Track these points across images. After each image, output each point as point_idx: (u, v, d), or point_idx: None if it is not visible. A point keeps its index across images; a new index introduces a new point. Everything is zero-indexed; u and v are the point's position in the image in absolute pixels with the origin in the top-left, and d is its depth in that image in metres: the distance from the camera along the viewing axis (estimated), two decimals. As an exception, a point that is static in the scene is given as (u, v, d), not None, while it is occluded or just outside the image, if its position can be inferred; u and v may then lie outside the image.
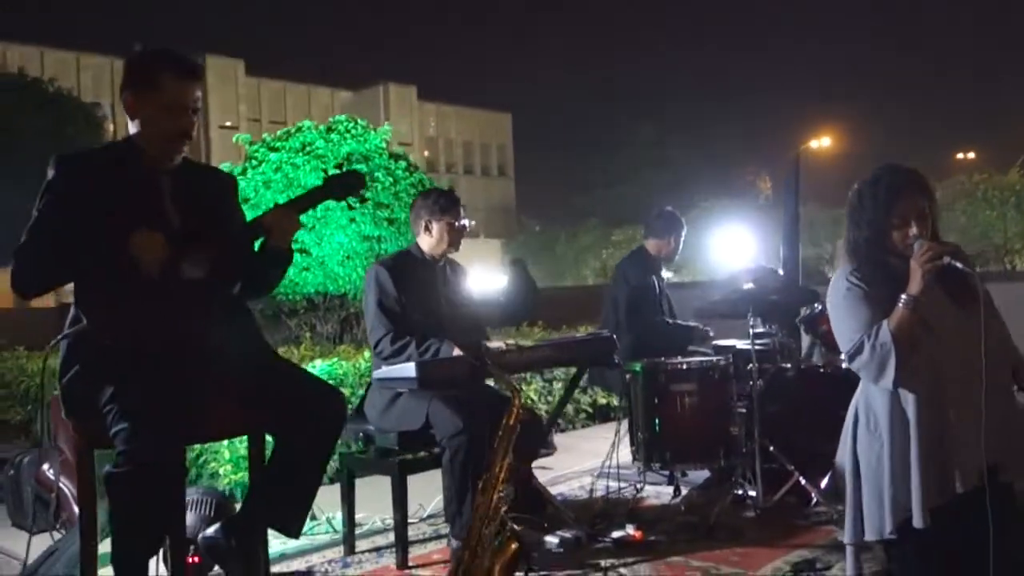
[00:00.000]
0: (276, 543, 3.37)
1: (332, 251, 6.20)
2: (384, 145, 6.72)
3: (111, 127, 16.94)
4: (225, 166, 6.47)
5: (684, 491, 4.07)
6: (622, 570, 3.17)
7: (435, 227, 3.50)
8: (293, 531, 2.40)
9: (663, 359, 3.91)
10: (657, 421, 3.86)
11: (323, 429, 2.37)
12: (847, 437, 2.70)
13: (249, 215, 6.05)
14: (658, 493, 4.21)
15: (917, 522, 2.47)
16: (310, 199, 2.44)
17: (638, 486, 4.16)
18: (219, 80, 53.12)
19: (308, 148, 6.44)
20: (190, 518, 3.04)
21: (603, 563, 3.24)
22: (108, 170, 2.30)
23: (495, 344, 3.39)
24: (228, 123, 53.56)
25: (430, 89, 63.35)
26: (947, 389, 2.50)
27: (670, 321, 4.46)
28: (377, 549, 3.51)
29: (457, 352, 3.21)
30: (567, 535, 3.47)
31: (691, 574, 3.11)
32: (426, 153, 63.75)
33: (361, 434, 3.42)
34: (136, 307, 2.15)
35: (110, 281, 2.13)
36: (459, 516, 3.23)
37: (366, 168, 6.37)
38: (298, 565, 3.37)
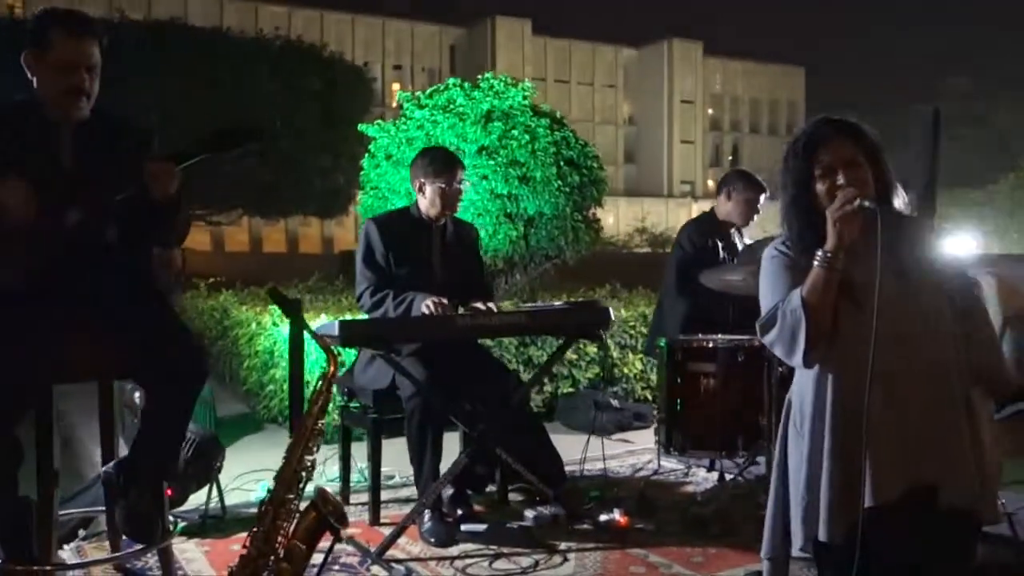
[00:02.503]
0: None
1: (462, 208, 6.24)
2: (526, 102, 6.63)
3: (379, 86, 18.09)
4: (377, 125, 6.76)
5: (727, 478, 3.72)
6: (569, 555, 2.97)
7: (428, 189, 3.43)
8: (161, 474, 2.50)
9: (683, 336, 3.57)
10: (676, 403, 3.54)
11: (180, 383, 2.43)
12: (779, 436, 2.34)
13: (391, 171, 6.29)
14: (701, 479, 3.89)
15: (822, 535, 2.11)
16: (192, 151, 2.48)
17: (653, 468, 3.88)
18: (506, 39, 55.13)
19: (451, 105, 6.51)
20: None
21: (560, 545, 3.06)
22: (9, 124, 2.49)
23: (476, 304, 3.29)
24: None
25: (717, 44, 61.23)
26: (872, 377, 2.06)
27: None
28: (364, 504, 3.54)
29: (430, 305, 3.14)
30: (544, 511, 3.32)
31: (636, 569, 2.85)
32: (710, 111, 62.13)
33: (346, 390, 3.47)
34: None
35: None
36: (419, 479, 3.20)
37: (502, 126, 6.34)
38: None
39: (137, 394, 3.24)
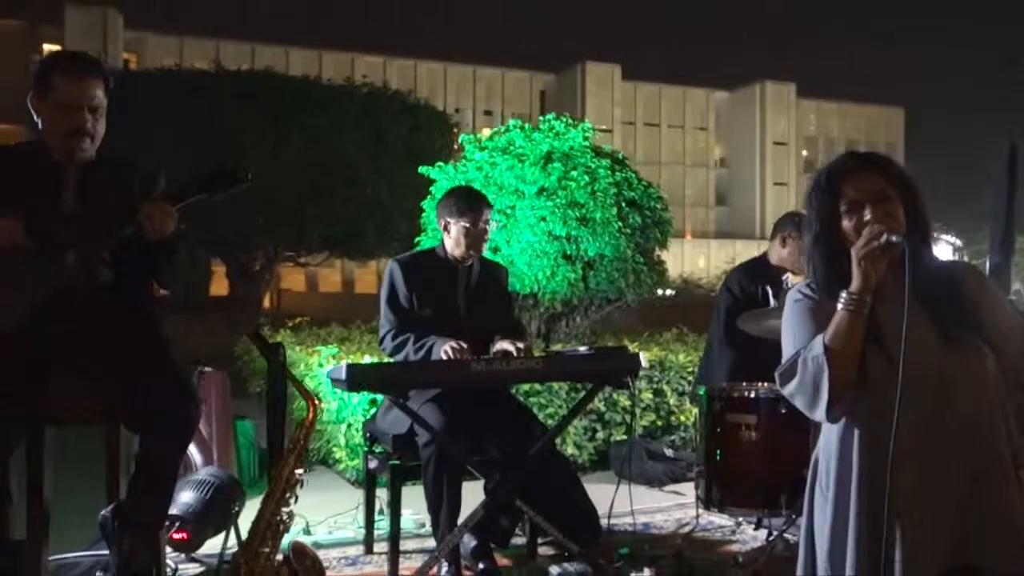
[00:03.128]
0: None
1: (520, 250, 6.16)
2: (586, 142, 6.53)
3: (460, 130, 18.33)
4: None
5: (773, 536, 3.46)
6: (588, 618, 2.79)
7: (452, 229, 3.34)
8: (150, 521, 2.44)
9: (725, 385, 3.36)
10: (715, 455, 3.32)
11: (168, 433, 2.38)
12: (806, 498, 2.14)
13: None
14: (748, 537, 3.64)
15: None
16: (185, 192, 2.45)
17: (693, 524, 3.65)
18: (596, 85, 55.41)
19: (510, 147, 6.47)
20: (190, 496, 3.22)
21: (580, 606, 2.88)
22: (15, 165, 2.52)
23: (502, 346, 3.17)
24: (603, 127, 55.72)
25: (810, 85, 60.19)
26: (900, 438, 1.86)
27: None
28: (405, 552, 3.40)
29: (448, 350, 3.04)
30: (570, 568, 3.14)
31: (656, 637, 2.64)
32: (804, 152, 60.87)
33: (368, 434, 3.37)
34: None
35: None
36: (436, 529, 3.07)
37: (562, 167, 6.25)
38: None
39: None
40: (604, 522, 3.45)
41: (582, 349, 3.12)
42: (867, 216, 1.98)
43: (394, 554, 3.20)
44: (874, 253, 1.91)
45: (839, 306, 1.94)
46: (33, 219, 2.36)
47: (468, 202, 3.35)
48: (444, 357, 3.01)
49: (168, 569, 2.62)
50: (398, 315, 3.28)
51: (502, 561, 3.31)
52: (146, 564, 2.47)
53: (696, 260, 50.29)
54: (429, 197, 6.76)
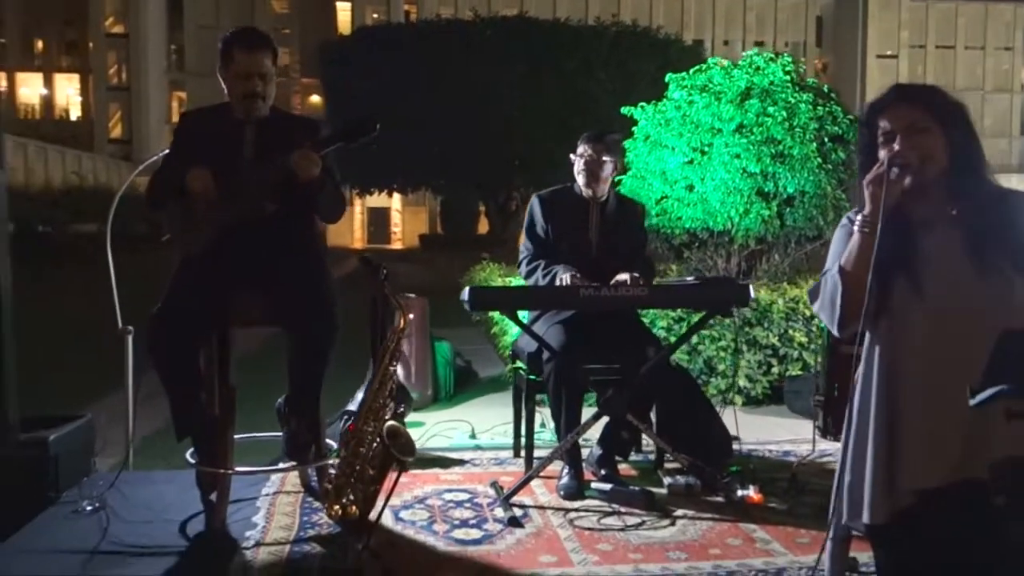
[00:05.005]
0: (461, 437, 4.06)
1: (713, 187, 6.26)
2: (787, 77, 6.43)
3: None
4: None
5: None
6: (678, 521, 3.08)
7: (576, 160, 3.65)
8: (304, 411, 3.02)
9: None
10: (833, 387, 3.42)
11: (314, 335, 2.93)
12: (847, 413, 2.33)
13: (649, 154, 6.53)
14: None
15: (865, 517, 2.11)
16: (326, 141, 2.95)
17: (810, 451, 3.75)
18: (879, 6, 51.15)
19: (709, 85, 6.53)
20: (363, 396, 3.85)
21: (676, 511, 3.18)
22: (208, 123, 3.15)
23: (619, 277, 3.46)
24: (888, 52, 51.49)
25: None
26: (918, 364, 2.03)
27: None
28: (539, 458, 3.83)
29: (566, 278, 3.39)
30: (680, 480, 3.42)
31: (732, 541, 2.89)
32: None
33: (511, 352, 3.81)
34: (190, 224, 2.98)
35: (181, 206, 2.99)
36: (558, 436, 3.47)
37: (759, 104, 6.24)
38: (471, 455, 3.95)
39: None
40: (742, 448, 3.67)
41: (689, 279, 3.34)
42: (896, 147, 2.09)
43: (528, 455, 3.65)
44: (878, 180, 2.03)
45: (854, 229, 2.09)
46: (220, 167, 2.99)
47: (587, 136, 3.64)
48: (558, 283, 3.36)
49: (330, 448, 3.24)
50: (535, 244, 3.66)
51: (628, 472, 3.66)
52: (307, 441, 3.09)
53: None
54: (631, 138, 7.00)
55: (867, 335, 2.16)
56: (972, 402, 1.71)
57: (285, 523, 3.02)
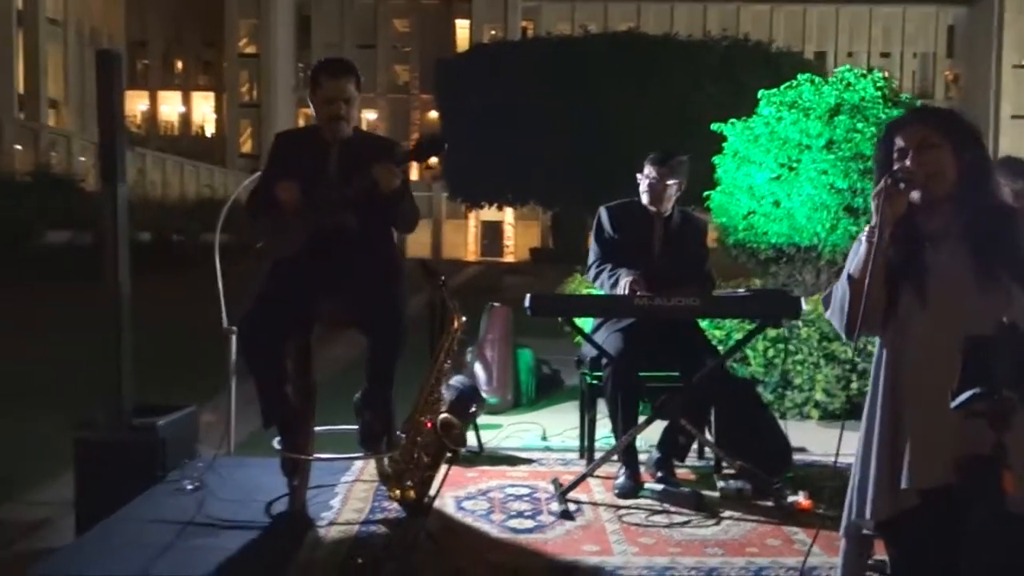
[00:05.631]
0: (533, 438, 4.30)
1: (800, 203, 6.30)
2: (878, 93, 6.41)
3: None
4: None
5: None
6: (723, 522, 3.22)
7: (641, 183, 3.83)
8: (376, 404, 3.30)
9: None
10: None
11: (385, 338, 3.21)
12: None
13: (737, 169, 6.65)
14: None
15: (868, 513, 2.26)
16: (403, 157, 3.24)
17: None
18: (1016, 13, 48.76)
19: (798, 101, 6.57)
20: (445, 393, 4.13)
21: (724, 512, 3.32)
22: (298, 143, 3.50)
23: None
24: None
25: None
26: (921, 371, 2.17)
27: None
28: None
29: (626, 283, 3.58)
30: (732, 484, 3.55)
31: (772, 541, 3.01)
32: None
33: (576, 358, 4.02)
34: (281, 236, 3.32)
35: (273, 216, 3.33)
36: (616, 437, 3.65)
37: (849, 120, 6.25)
38: (539, 456, 4.17)
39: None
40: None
41: (741, 291, 3.48)
42: (907, 162, 2.23)
43: (590, 456, 3.85)
44: (883, 194, 2.17)
45: (863, 239, 2.24)
46: (307, 182, 3.33)
47: (656, 157, 3.82)
48: (620, 290, 3.55)
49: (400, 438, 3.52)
50: (603, 249, 3.87)
51: (686, 476, 3.81)
52: (379, 432, 3.37)
53: None
54: (721, 154, 7.09)
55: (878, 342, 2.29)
56: (952, 405, 1.82)
57: (357, 507, 3.31)
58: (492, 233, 50.28)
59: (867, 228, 2.23)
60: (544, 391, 5.85)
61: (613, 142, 18.40)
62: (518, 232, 48.18)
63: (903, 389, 2.17)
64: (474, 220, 49.37)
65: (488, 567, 2.72)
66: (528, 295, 3.45)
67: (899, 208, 2.19)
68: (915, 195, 2.23)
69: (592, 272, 3.85)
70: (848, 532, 2.42)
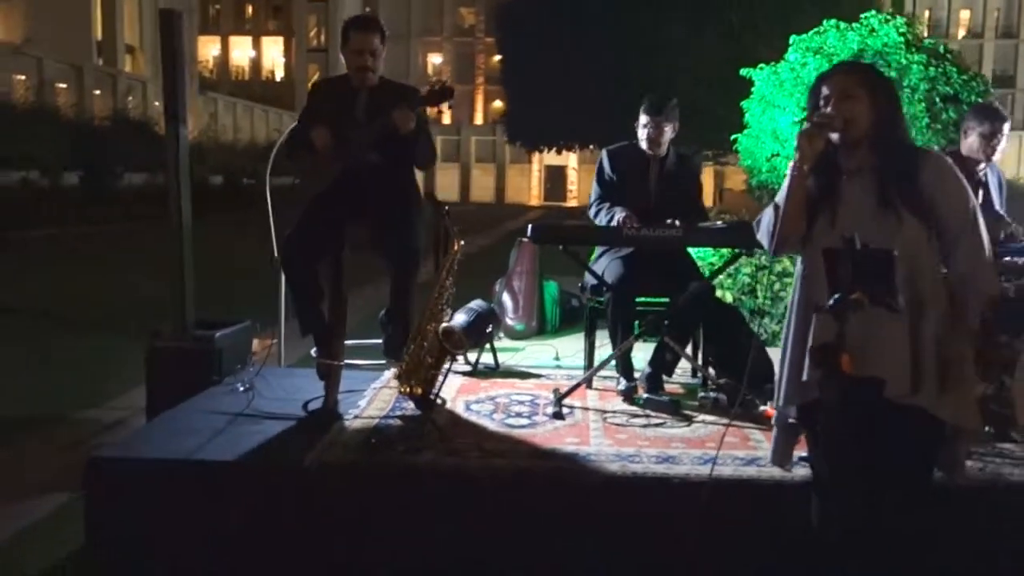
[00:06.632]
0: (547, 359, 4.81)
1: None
2: (900, 38, 6.62)
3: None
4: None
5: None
6: (693, 424, 3.69)
7: (639, 131, 4.23)
8: (398, 319, 3.81)
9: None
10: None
11: (401, 264, 3.70)
12: None
13: (763, 114, 6.97)
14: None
15: (779, 403, 2.71)
16: (417, 102, 3.70)
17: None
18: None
19: (823, 48, 6.81)
20: (461, 317, 4.64)
21: (697, 417, 3.78)
22: (331, 90, 3.98)
23: (668, 221, 4.05)
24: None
25: None
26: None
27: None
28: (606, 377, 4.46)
29: (620, 219, 4.02)
30: (710, 395, 4.01)
31: (731, 439, 3.46)
32: None
33: (580, 284, 4.49)
34: (316, 172, 3.82)
35: (309, 156, 3.84)
36: (617, 361, 4.13)
37: (870, 62, 6.48)
38: (548, 372, 4.68)
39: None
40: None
41: (719, 223, 3.89)
42: (828, 109, 2.62)
43: (587, 365, 4.34)
44: (807, 134, 2.57)
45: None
46: (338, 125, 3.83)
47: (647, 103, 4.21)
48: (614, 224, 3.99)
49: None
50: (603, 189, 4.30)
51: (675, 390, 4.27)
52: (401, 342, 3.89)
53: None
54: (749, 98, 7.38)
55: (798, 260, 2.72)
56: (827, 306, 2.24)
57: (380, 407, 3.87)
58: (556, 177, 50.49)
59: (791, 163, 2.63)
60: (569, 320, 6.32)
61: (668, 85, 18.48)
62: (581, 176, 48.31)
63: (813, 298, 2.58)
64: (538, 164, 49.58)
65: (480, 450, 3.24)
66: (530, 225, 3.91)
67: (818, 146, 2.58)
68: (835, 136, 2.62)
69: (593, 209, 4.28)
70: (777, 420, 2.86)
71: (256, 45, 55.48)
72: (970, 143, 4.10)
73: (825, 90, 2.64)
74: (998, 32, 53.86)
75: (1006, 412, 3.30)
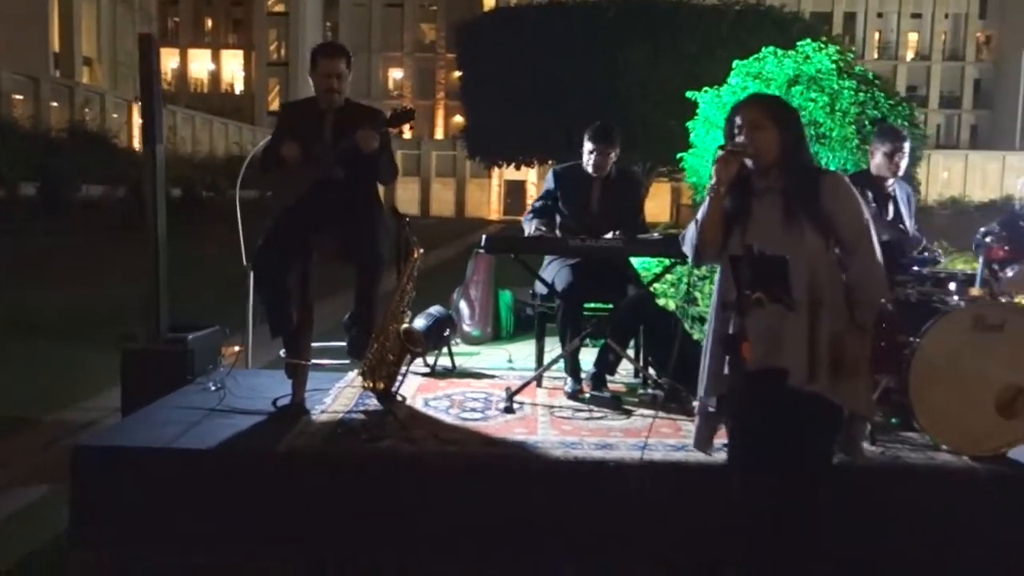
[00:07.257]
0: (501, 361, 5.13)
1: (757, 164, 7.01)
2: (833, 65, 7.09)
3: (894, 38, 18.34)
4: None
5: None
6: (632, 418, 4.05)
7: (584, 156, 4.62)
8: (362, 322, 4.13)
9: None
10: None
11: (365, 271, 4.00)
12: None
13: (707, 134, 7.40)
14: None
15: (701, 392, 3.07)
16: (381, 123, 4.03)
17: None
18: (1048, -24, 48.24)
19: (761, 73, 7.27)
20: (420, 322, 4.97)
21: (636, 411, 4.14)
22: (300, 111, 4.31)
23: (608, 236, 4.41)
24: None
25: None
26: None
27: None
28: (556, 377, 4.81)
29: (532, 230, 4.40)
30: (649, 392, 4.39)
31: (664, 429, 3.83)
32: None
33: (531, 291, 4.85)
34: (287, 186, 4.14)
35: (280, 172, 4.15)
36: (566, 362, 4.48)
37: (805, 90, 6.95)
38: (502, 373, 5.02)
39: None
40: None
41: (655, 235, 4.28)
42: (740, 137, 3.00)
43: (538, 366, 4.69)
44: (722, 159, 2.94)
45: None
46: (306, 143, 4.14)
47: (593, 132, 4.60)
48: (534, 233, 4.38)
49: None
50: (540, 203, 4.68)
51: (618, 389, 4.63)
52: (364, 343, 4.20)
53: None
54: (695, 119, 7.82)
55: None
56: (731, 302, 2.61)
57: (345, 403, 4.18)
58: (515, 192, 50.93)
59: (709, 185, 3.00)
60: (523, 327, 6.67)
61: (625, 106, 19.02)
62: (540, 191, 48.87)
63: (726, 298, 2.95)
64: (497, 179, 50.02)
65: (436, 439, 3.57)
66: (483, 235, 4.25)
67: (732, 171, 2.95)
68: (748, 162, 3.00)
69: (526, 217, 4.66)
70: (699, 409, 3.23)
71: (216, 58, 55.37)
72: (877, 162, 4.54)
73: (738, 120, 3.02)
74: (945, 55, 55.57)
75: (907, 401, 3.69)
